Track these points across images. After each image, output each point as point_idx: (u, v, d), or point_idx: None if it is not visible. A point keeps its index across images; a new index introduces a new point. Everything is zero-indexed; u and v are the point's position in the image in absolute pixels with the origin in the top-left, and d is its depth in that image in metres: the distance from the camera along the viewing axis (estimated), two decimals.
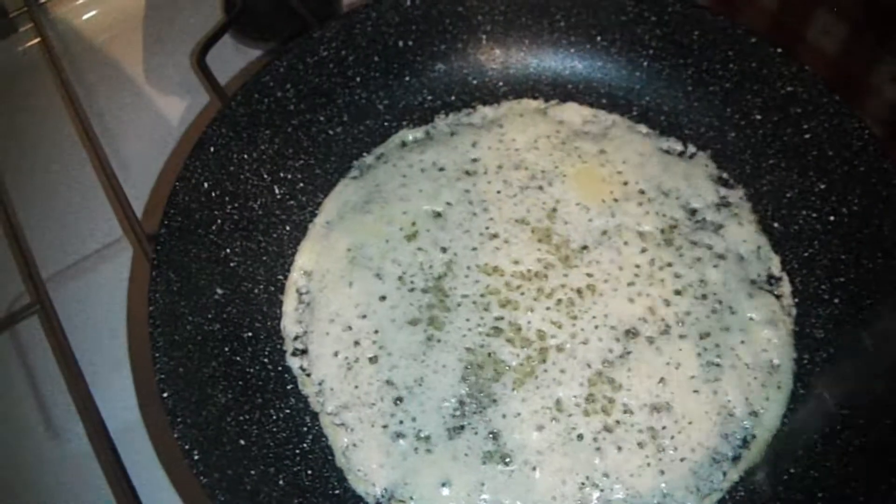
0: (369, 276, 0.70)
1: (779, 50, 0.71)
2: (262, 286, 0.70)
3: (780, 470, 0.62)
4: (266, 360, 0.67)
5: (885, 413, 0.59)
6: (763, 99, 0.73)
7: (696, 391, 0.64)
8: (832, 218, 0.68)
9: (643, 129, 0.78)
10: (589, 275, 0.70)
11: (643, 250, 0.71)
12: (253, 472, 0.59)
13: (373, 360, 0.67)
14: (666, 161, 0.76)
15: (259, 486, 0.58)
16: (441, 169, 0.76)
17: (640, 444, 0.63)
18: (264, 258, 0.71)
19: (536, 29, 0.80)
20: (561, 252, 0.71)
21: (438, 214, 0.73)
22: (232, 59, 0.92)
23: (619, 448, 0.62)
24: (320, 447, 0.64)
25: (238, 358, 0.65)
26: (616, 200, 0.73)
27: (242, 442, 0.60)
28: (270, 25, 0.90)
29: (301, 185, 0.75)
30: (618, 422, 0.63)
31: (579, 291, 0.69)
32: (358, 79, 0.78)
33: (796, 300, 0.69)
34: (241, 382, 0.64)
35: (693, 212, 0.73)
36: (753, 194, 0.73)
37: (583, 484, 0.61)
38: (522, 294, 0.69)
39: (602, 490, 0.61)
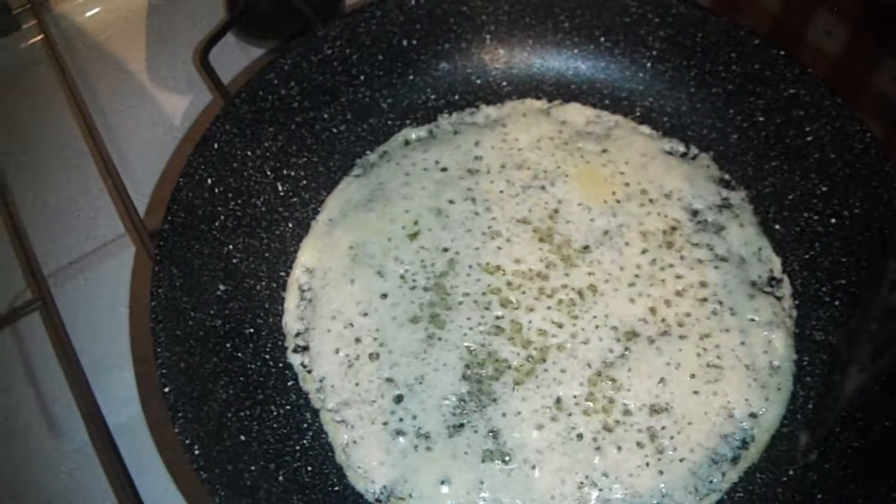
0: (371, 273, 0.70)
1: (781, 52, 0.71)
2: (264, 283, 0.70)
3: (779, 471, 0.62)
4: (267, 356, 0.67)
5: (883, 415, 0.59)
6: (766, 101, 0.73)
7: (695, 392, 0.65)
8: (833, 220, 0.69)
9: (646, 130, 0.78)
10: (590, 275, 0.70)
11: (644, 251, 0.71)
12: (253, 468, 0.59)
13: (374, 357, 0.67)
14: (668, 162, 0.76)
15: (259, 481, 0.58)
16: (444, 168, 0.76)
17: (640, 445, 0.63)
18: (267, 255, 0.71)
19: (540, 29, 0.80)
20: (562, 252, 0.71)
21: (441, 213, 0.73)
22: (235, 57, 0.92)
23: (619, 448, 0.63)
24: (320, 444, 0.64)
25: (239, 354, 0.65)
26: (618, 201, 0.74)
27: (243, 438, 0.60)
28: (273, 24, 0.90)
29: (304, 182, 0.75)
30: (617, 422, 0.64)
31: (580, 291, 0.69)
32: (362, 77, 0.78)
33: (797, 302, 0.69)
34: (242, 378, 0.64)
35: (695, 213, 0.73)
36: (755, 196, 0.74)
37: (582, 483, 0.61)
38: (524, 293, 0.69)
39: (601, 490, 0.61)
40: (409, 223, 0.73)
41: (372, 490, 0.62)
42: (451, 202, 0.74)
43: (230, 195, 0.69)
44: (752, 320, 0.68)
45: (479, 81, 0.81)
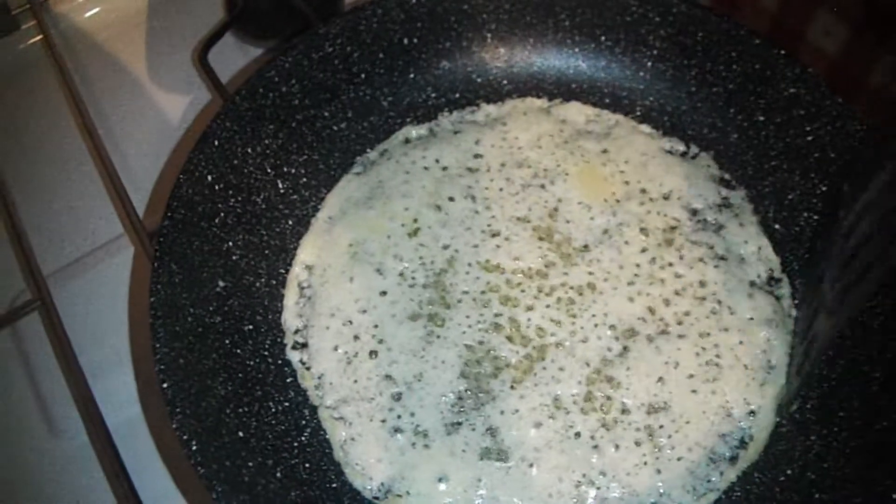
0: (370, 271, 0.70)
1: (782, 52, 0.71)
2: (263, 280, 0.70)
3: (777, 471, 0.62)
4: (266, 353, 0.67)
5: (881, 414, 0.59)
6: (766, 100, 0.73)
7: (694, 391, 0.65)
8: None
9: (646, 129, 0.78)
10: (589, 273, 0.70)
11: (644, 250, 0.71)
12: (251, 464, 0.59)
13: (372, 354, 0.67)
14: (668, 161, 0.76)
15: (257, 477, 0.59)
16: (444, 166, 0.76)
17: (638, 443, 0.63)
18: (266, 252, 0.71)
19: (541, 28, 0.80)
20: (562, 250, 0.71)
21: (440, 211, 0.73)
22: (234, 57, 0.92)
23: (617, 446, 0.62)
24: (318, 440, 0.64)
25: (238, 350, 0.65)
26: (618, 200, 0.74)
27: (241, 434, 0.60)
28: (272, 24, 0.90)
29: (304, 179, 0.75)
30: (616, 420, 0.64)
31: (579, 290, 0.69)
32: (363, 75, 0.78)
33: (796, 301, 0.69)
34: (240, 375, 0.64)
35: (694, 212, 0.73)
36: (755, 195, 0.74)
37: (579, 482, 0.61)
38: (523, 291, 0.69)
39: (599, 488, 0.61)
40: (409, 221, 0.73)
41: (370, 487, 0.62)
42: (451, 200, 0.74)
43: (230, 192, 0.70)
44: (751, 319, 0.67)
45: (479, 80, 0.81)
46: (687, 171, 0.75)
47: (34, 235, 0.80)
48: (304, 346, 0.68)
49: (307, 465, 0.63)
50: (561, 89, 0.80)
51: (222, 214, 0.69)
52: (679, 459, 0.62)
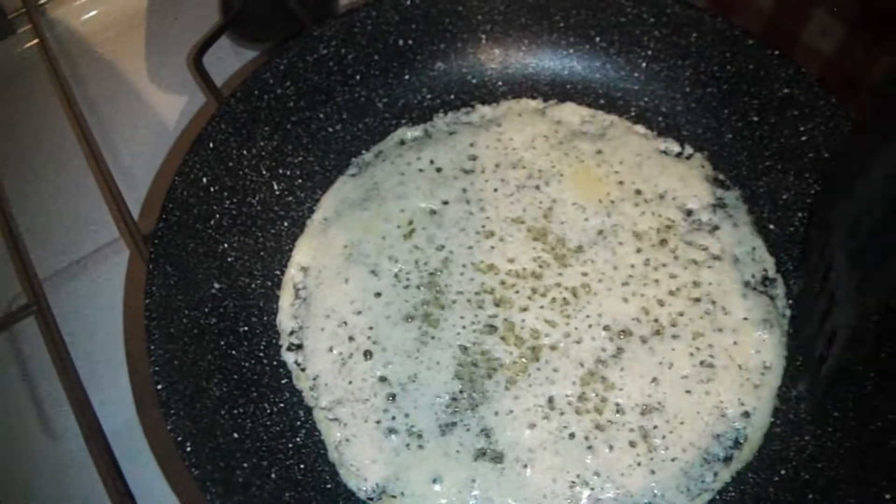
0: (365, 272, 0.70)
1: (776, 52, 0.71)
2: (258, 281, 0.70)
3: (771, 471, 0.62)
4: (261, 354, 0.67)
5: (876, 415, 0.59)
6: (760, 101, 0.73)
7: (688, 391, 0.65)
8: None
9: (641, 129, 0.78)
10: (584, 274, 0.70)
11: (638, 250, 0.71)
12: (245, 465, 0.59)
13: (367, 355, 0.67)
14: (663, 162, 0.76)
15: (251, 478, 0.59)
16: (439, 168, 0.76)
17: (632, 444, 0.63)
18: (262, 253, 0.71)
19: (536, 29, 0.80)
20: (556, 251, 0.71)
21: (435, 212, 0.73)
22: (229, 60, 0.92)
23: (611, 447, 0.63)
24: (313, 441, 0.65)
25: (233, 352, 0.65)
26: (612, 201, 0.74)
27: (236, 435, 0.61)
28: (267, 27, 0.90)
29: (299, 181, 0.75)
30: (609, 421, 0.64)
31: (574, 291, 0.69)
32: (357, 77, 0.78)
33: (790, 302, 0.69)
34: (235, 376, 0.64)
35: (689, 213, 0.73)
36: (749, 196, 0.74)
37: (573, 482, 0.61)
38: (517, 292, 0.69)
39: (593, 489, 0.61)
40: (404, 222, 0.73)
41: (364, 488, 0.63)
42: (446, 202, 0.74)
43: (225, 194, 0.70)
44: (746, 320, 0.68)
45: (474, 81, 0.81)
46: (681, 171, 0.75)
47: (30, 239, 0.80)
48: (299, 347, 0.69)
49: (302, 465, 0.63)
50: (556, 90, 0.80)
51: (217, 216, 0.69)
52: (673, 460, 0.62)
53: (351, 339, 0.68)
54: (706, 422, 0.64)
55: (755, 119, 0.74)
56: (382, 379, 0.66)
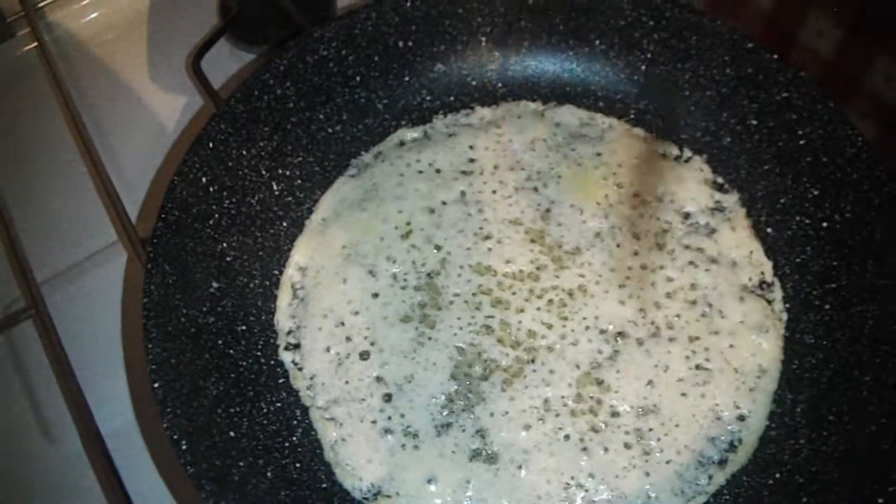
0: (363, 272, 0.71)
1: (775, 56, 0.71)
2: (257, 281, 0.71)
3: (766, 474, 0.62)
4: (259, 353, 0.68)
5: (870, 419, 0.59)
6: (759, 104, 0.73)
7: (683, 394, 0.65)
8: (825, 224, 0.69)
9: (639, 132, 0.78)
10: (581, 276, 0.70)
11: (636, 253, 0.71)
12: (241, 464, 0.59)
13: (364, 356, 0.67)
14: (661, 164, 0.76)
15: (247, 477, 0.59)
16: (438, 169, 0.76)
17: (627, 446, 0.63)
18: (260, 253, 0.72)
19: (535, 31, 0.80)
20: (553, 253, 0.71)
21: (433, 213, 0.73)
22: (227, 63, 0.92)
23: (606, 449, 0.63)
24: (309, 441, 0.65)
25: (231, 351, 0.66)
26: (610, 203, 0.74)
27: (232, 434, 0.61)
28: (265, 30, 0.91)
29: (299, 181, 0.76)
30: (605, 423, 0.64)
31: (570, 293, 0.69)
32: (358, 78, 0.78)
33: (787, 305, 0.69)
34: (233, 375, 0.64)
35: (687, 216, 0.73)
36: (748, 199, 0.74)
37: (568, 484, 0.62)
38: (514, 294, 0.69)
39: (587, 490, 0.61)
40: (402, 223, 0.73)
41: (359, 487, 0.63)
42: (444, 203, 0.74)
43: (225, 193, 0.70)
44: (742, 323, 0.68)
45: (474, 83, 0.81)
46: (680, 174, 0.75)
47: (28, 242, 0.80)
48: (297, 346, 0.69)
49: (298, 465, 0.63)
50: (555, 93, 0.81)
51: (216, 216, 0.69)
52: (668, 462, 0.62)
53: (348, 339, 0.68)
54: (701, 424, 0.64)
55: (754, 123, 0.74)
56: (379, 379, 0.66)
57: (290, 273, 0.72)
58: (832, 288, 0.67)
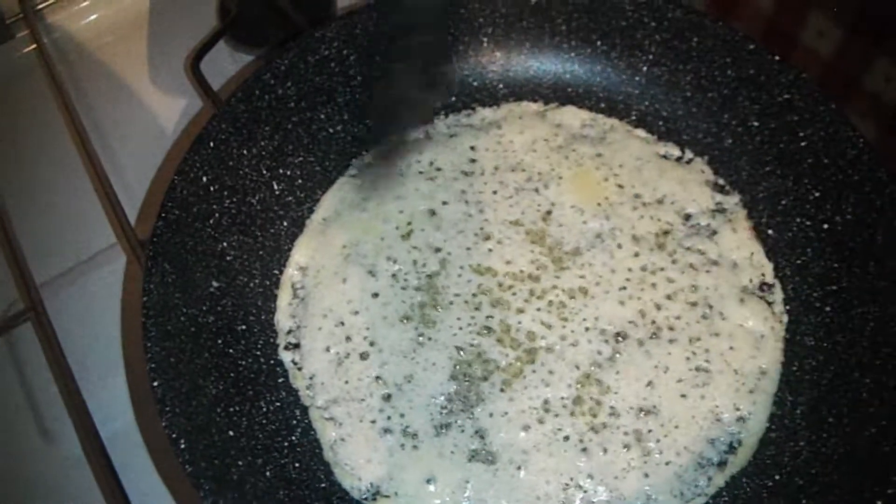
0: (363, 272, 0.71)
1: (776, 57, 0.71)
2: (257, 280, 0.71)
3: (765, 476, 0.62)
4: (258, 352, 0.68)
5: (870, 421, 0.59)
6: (760, 106, 0.73)
7: (683, 395, 0.65)
8: (826, 226, 0.68)
9: (641, 133, 0.78)
10: (581, 277, 0.70)
11: (636, 254, 0.71)
12: (240, 463, 0.59)
13: (364, 356, 0.67)
14: (663, 166, 0.76)
15: (246, 476, 0.59)
16: (438, 169, 0.76)
17: (626, 447, 0.63)
18: (261, 253, 0.72)
19: (537, 32, 0.80)
20: (554, 254, 0.71)
21: (434, 214, 0.73)
22: (227, 65, 0.92)
23: (605, 450, 0.63)
24: (309, 440, 0.65)
25: (231, 350, 0.66)
26: (611, 204, 0.74)
27: (231, 433, 0.61)
28: (264, 32, 0.91)
29: (300, 181, 0.76)
30: (604, 424, 0.64)
31: (571, 294, 0.69)
32: (359, 78, 0.78)
33: (788, 307, 0.69)
34: (232, 374, 0.64)
35: (688, 217, 0.73)
36: (749, 201, 0.73)
37: (567, 485, 0.62)
38: (514, 295, 0.69)
39: (586, 491, 0.61)
40: (403, 223, 0.73)
41: (358, 487, 0.63)
42: (445, 203, 0.74)
43: (225, 193, 0.70)
44: (742, 325, 0.67)
45: (475, 84, 0.81)
46: (681, 175, 0.75)
47: (27, 244, 0.80)
48: (297, 346, 0.69)
49: (297, 464, 0.63)
50: (556, 93, 0.81)
51: (217, 215, 0.69)
52: (667, 464, 0.62)
53: (348, 338, 0.68)
54: (701, 426, 0.64)
55: (755, 124, 0.74)
56: (378, 379, 0.66)
57: (291, 273, 0.72)
58: (833, 290, 0.67)
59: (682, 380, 0.65)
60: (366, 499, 0.62)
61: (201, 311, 0.65)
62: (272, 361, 0.68)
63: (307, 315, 0.70)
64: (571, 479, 0.62)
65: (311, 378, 0.67)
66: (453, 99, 0.81)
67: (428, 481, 0.62)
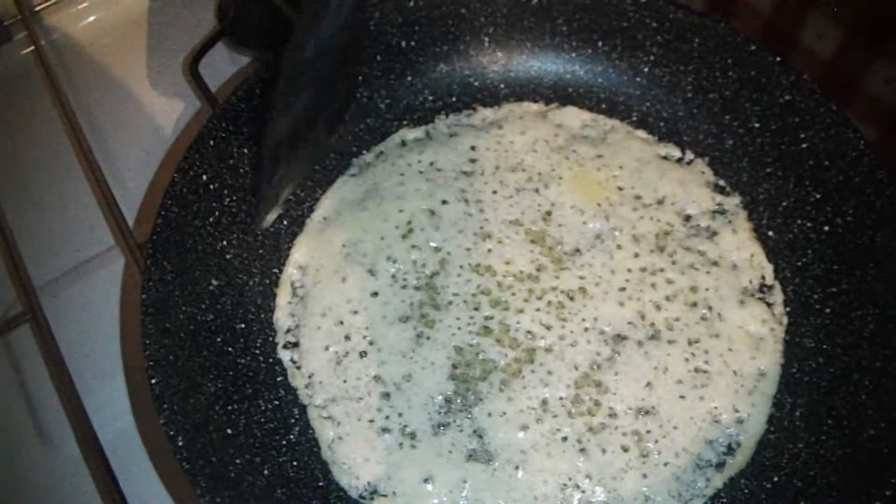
0: (363, 272, 0.71)
1: (777, 59, 0.71)
2: (256, 279, 0.71)
3: (763, 478, 0.62)
4: (257, 351, 0.68)
5: (870, 423, 0.59)
6: (761, 107, 0.73)
7: (682, 396, 0.64)
8: (826, 228, 0.68)
9: (642, 134, 0.78)
10: (580, 278, 0.70)
11: (636, 255, 0.71)
12: (238, 461, 0.60)
13: (362, 355, 0.67)
14: (663, 167, 0.76)
15: (243, 474, 0.59)
16: (439, 169, 0.76)
17: (624, 448, 0.63)
18: (260, 251, 0.72)
19: (538, 32, 0.80)
20: (553, 254, 0.71)
21: (434, 213, 0.73)
22: (225, 66, 0.92)
23: (603, 450, 0.63)
24: (307, 439, 0.65)
25: (230, 348, 0.66)
26: (611, 205, 0.74)
27: (229, 431, 0.61)
28: (263, 33, 0.91)
29: (301, 180, 0.75)
30: (603, 424, 0.64)
31: (570, 294, 0.69)
32: (360, 77, 0.78)
33: (787, 309, 0.69)
34: (231, 372, 0.64)
35: (688, 218, 0.73)
36: (749, 202, 0.73)
37: (565, 485, 0.61)
38: (513, 295, 0.69)
39: (584, 492, 0.61)
40: (403, 223, 0.73)
41: (356, 486, 0.63)
42: (445, 203, 0.74)
43: (225, 191, 0.70)
44: (742, 326, 0.67)
45: (476, 84, 0.81)
46: (681, 176, 0.75)
47: (25, 247, 0.79)
48: (296, 345, 0.69)
49: (295, 463, 0.63)
50: (557, 94, 0.81)
51: (217, 213, 0.69)
52: (665, 465, 0.62)
53: (347, 338, 0.68)
54: (699, 427, 0.63)
55: (756, 125, 0.74)
56: (377, 378, 0.66)
57: (290, 271, 0.72)
58: (833, 292, 0.67)
59: (681, 381, 0.65)
60: (363, 498, 0.62)
61: (200, 309, 0.65)
62: (271, 360, 0.68)
63: (306, 314, 0.70)
64: (569, 480, 0.62)
65: (309, 377, 0.67)
66: (453, 99, 0.81)
67: (426, 481, 0.62)
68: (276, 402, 0.66)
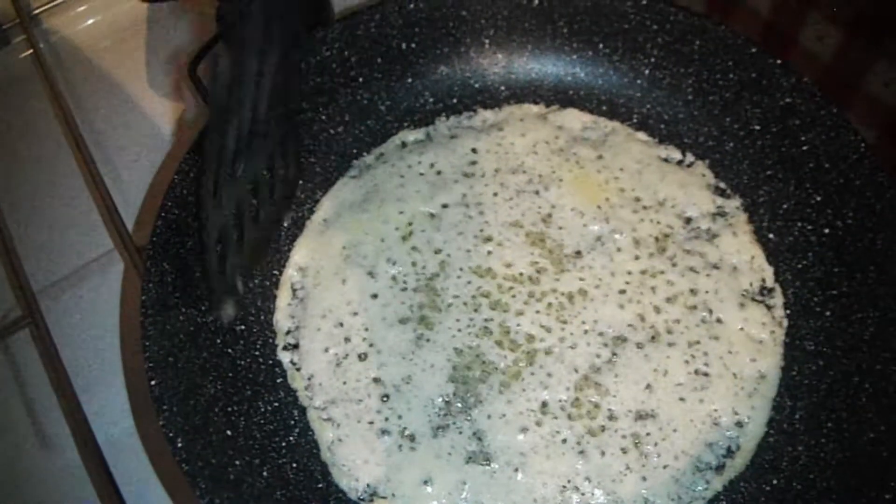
0: (363, 274, 0.71)
1: (778, 61, 0.71)
2: (257, 280, 0.71)
3: (763, 481, 0.62)
4: (257, 353, 0.68)
5: (870, 427, 0.59)
6: (762, 110, 0.73)
7: (682, 399, 0.64)
8: (827, 230, 0.68)
9: (642, 136, 0.78)
10: (581, 280, 0.70)
11: (636, 257, 0.71)
12: (238, 463, 0.60)
13: (362, 357, 0.67)
14: (664, 169, 0.76)
15: (243, 476, 0.59)
16: (439, 171, 0.76)
17: (624, 450, 0.63)
18: None
19: (539, 34, 0.80)
20: (554, 256, 0.71)
21: (434, 215, 0.73)
22: None
23: (603, 453, 0.62)
24: (306, 441, 0.65)
25: (229, 350, 0.66)
26: (612, 207, 0.74)
27: (229, 432, 0.61)
28: None
29: (300, 182, 0.75)
30: (602, 427, 0.63)
31: (570, 296, 0.69)
32: (360, 79, 0.79)
33: (788, 312, 0.68)
34: (230, 374, 0.65)
35: (688, 220, 0.73)
36: (750, 205, 0.73)
37: (564, 487, 0.61)
38: (513, 297, 0.69)
39: (583, 494, 0.61)
40: (403, 225, 0.73)
41: (355, 488, 0.63)
42: (445, 205, 0.74)
43: None
44: (742, 329, 0.67)
45: (477, 85, 0.81)
46: (682, 179, 0.75)
47: (24, 251, 0.80)
48: (295, 346, 0.69)
49: (294, 464, 0.63)
50: (558, 96, 0.81)
51: None
52: (665, 467, 0.62)
53: (347, 339, 0.68)
54: (699, 430, 0.63)
55: (757, 128, 0.74)
56: (377, 380, 0.66)
57: (290, 273, 0.72)
58: (833, 294, 0.67)
59: (681, 383, 0.65)
60: (363, 499, 0.62)
61: (200, 311, 0.65)
62: (271, 361, 0.68)
63: (306, 316, 0.70)
64: (569, 482, 0.62)
65: (309, 378, 0.67)
66: (454, 100, 0.81)
67: (425, 483, 0.62)
68: (276, 404, 0.66)
